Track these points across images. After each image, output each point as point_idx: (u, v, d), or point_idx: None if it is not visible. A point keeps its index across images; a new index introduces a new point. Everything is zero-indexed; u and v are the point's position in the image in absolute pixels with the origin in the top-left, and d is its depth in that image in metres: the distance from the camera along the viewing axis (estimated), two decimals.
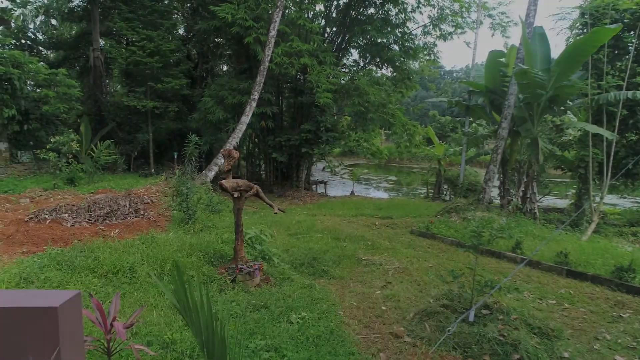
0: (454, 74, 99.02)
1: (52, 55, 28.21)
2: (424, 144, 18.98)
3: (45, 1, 26.86)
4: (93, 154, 14.64)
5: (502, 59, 12.42)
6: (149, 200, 9.46)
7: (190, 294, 1.98)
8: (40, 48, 23.34)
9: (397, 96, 18.13)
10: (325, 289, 6.58)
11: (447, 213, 11.88)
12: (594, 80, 11.78)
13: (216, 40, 19.09)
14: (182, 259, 5.76)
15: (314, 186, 21.91)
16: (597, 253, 8.96)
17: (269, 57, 13.75)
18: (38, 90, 14.34)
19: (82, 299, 2.16)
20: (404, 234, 11.02)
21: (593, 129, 10.89)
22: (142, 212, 8.20)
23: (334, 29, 20.40)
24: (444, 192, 18.53)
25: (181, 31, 27.90)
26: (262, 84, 13.70)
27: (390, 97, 17.09)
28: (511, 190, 13.43)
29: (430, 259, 8.73)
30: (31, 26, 29.35)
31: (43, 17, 30.06)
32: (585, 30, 11.99)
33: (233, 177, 6.16)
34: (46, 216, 7.37)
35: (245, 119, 13.36)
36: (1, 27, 16.65)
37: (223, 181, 5.69)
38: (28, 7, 29.91)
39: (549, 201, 18.62)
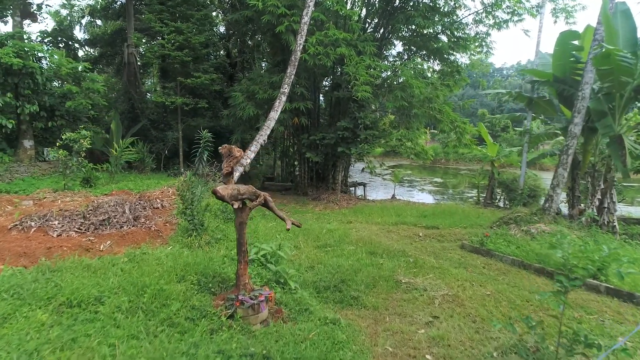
0: (504, 72, 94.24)
1: (96, 52, 28.47)
2: (475, 143, 17.01)
3: (91, 2, 27.08)
4: (115, 152, 13.93)
5: (575, 42, 10.42)
6: (159, 205, 8.40)
7: None
8: (77, 46, 23.23)
9: (444, 91, 16.30)
10: (352, 325, 5.16)
11: (505, 224, 10.08)
12: None
13: (250, 32, 18.04)
14: (167, 287, 4.49)
15: (352, 188, 20.43)
16: None
17: (301, 46, 12.41)
18: (56, 84, 13.74)
19: None
20: (453, 249, 9.35)
21: None
22: (142, 220, 7.10)
23: (375, 20, 18.82)
24: (497, 198, 16.51)
25: (222, 29, 27.33)
26: (293, 76, 12.38)
27: (437, 92, 15.31)
28: (582, 198, 11.37)
29: (487, 284, 7.06)
30: (78, 27, 29.84)
31: (89, 17, 30.56)
32: None
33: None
34: (32, 223, 6.41)
35: (274, 114, 12.07)
36: (28, 20, 16.35)
37: (219, 188, 4.39)
38: (75, 8, 30.50)
39: (621, 210, 16.16)
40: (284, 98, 12.27)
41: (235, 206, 4.54)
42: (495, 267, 8.11)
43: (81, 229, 6.49)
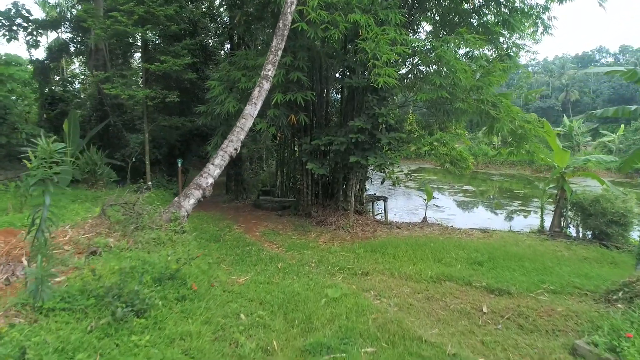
0: (530, 68, 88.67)
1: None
2: (540, 149, 12.53)
3: None
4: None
5: None
6: (21, 273, 4.42)
7: None
8: (41, 31, 19.57)
9: (495, 78, 11.93)
10: None
11: (635, 297, 5.78)
12: None
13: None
14: None
15: (370, 204, 16.20)
16: None
17: (293, 6, 8.34)
18: None
19: None
20: (557, 355, 5.04)
21: None
22: None
23: None
24: (569, 224, 12.07)
25: (226, 19, 23.68)
26: (280, 52, 8.32)
27: (490, 78, 10.99)
28: None
29: None
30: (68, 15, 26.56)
31: (79, 6, 27.13)
32: None
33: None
34: None
35: (252, 109, 8.00)
36: None
37: None
38: None
39: None
40: (265, 85, 8.16)
41: None
42: None
43: None
